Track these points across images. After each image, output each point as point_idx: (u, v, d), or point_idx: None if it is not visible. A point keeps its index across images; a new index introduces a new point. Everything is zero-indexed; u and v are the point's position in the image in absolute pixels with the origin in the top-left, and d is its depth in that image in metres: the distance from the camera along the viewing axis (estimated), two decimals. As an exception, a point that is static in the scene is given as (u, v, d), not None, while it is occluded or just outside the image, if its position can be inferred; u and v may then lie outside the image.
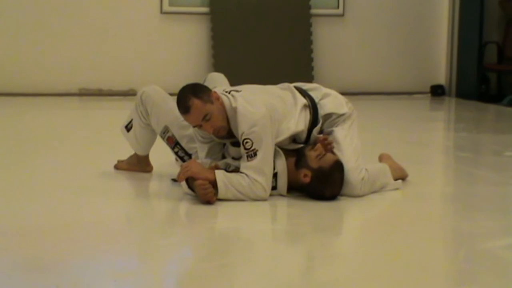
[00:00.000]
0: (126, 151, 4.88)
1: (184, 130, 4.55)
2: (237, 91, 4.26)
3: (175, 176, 4.57)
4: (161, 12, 9.70)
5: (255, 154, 4.07)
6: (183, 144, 4.56)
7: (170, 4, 9.71)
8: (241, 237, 3.63)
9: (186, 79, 9.53)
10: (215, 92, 4.15)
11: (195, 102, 4.04)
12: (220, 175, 4.08)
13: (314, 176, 4.12)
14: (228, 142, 4.28)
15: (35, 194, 4.37)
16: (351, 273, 3.13)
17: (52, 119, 7.83)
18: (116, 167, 4.92)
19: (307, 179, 4.14)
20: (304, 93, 4.40)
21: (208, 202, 4.03)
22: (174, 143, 4.58)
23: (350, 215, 4.13)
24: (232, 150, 4.29)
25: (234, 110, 4.11)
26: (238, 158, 4.22)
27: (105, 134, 6.73)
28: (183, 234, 3.70)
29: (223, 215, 3.98)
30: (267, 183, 4.11)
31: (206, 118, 4.06)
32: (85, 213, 3.97)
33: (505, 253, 3.38)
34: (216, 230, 3.79)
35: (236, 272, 3.11)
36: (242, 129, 4.07)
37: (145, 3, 9.67)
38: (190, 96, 4.07)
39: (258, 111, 4.11)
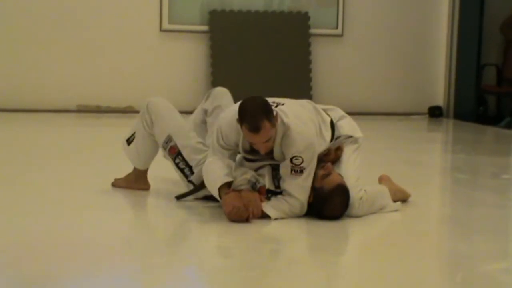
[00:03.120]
0: (123, 168, 4.86)
1: (187, 140, 4.53)
2: (280, 104, 4.23)
3: (175, 193, 4.56)
4: (161, 29, 9.73)
5: (301, 171, 4.09)
6: (184, 154, 4.53)
7: (170, 22, 9.74)
8: (240, 256, 3.61)
9: (185, 97, 9.63)
10: (277, 114, 4.08)
11: (267, 126, 3.97)
12: (272, 211, 4.13)
13: (315, 195, 4.14)
14: (244, 155, 4.27)
15: (32, 211, 4.35)
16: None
17: (49, 136, 7.82)
18: (114, 184, 4.90)
19: (310, 199, 4.16)
20: (325, 112, 4.43)
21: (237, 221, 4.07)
22: (176, 154, 4.56)
23: (348, 236, 4.12)
24: (245, 164, 4.28)
25: (285, 125, 4.09)
26: (255, 170, 4.27)
27: (103, 151, 6.72)
28: (182, 252, 3.68)
29: (221, 234, 3.97)
30: (306, 199, 4.15)
31: (267, 141, 4.03)
32: (82, 230, 3.95)
33: (503, 276, 3.37)
34: (214, 250, 3.78)
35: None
36: (297, 147, 4.06)
37: (145, 20, 9.70)
38: (263, 117, 3.96)
39: (310, 130, 4.14)
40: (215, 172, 4.17)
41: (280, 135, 4.09)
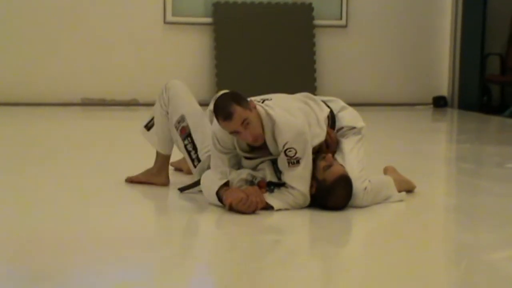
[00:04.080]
0: (128, 160, 4.87)
1: (200, 123, 4.55)
2: (268, 99, 4.27)
3: (179, 185, 4.58)
4: (165, 22, 9.74)
5: (297, 162, 4.10)
6: (194, 136, 4.55)
7: (174, 14, 9.74)
8: (243, 248, 3.63)
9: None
10: (251, 101, 4.15)
11: (237, 108, 4.01)
12: (275, 202, 4.14)
13: (318, 187, 4.15)
14: (244, 154, 4.28)
15: (38, 204, 4.37)
16: (352, 285, 3.13)
17: (54, 129, 7.84)
18: (131, 180, 4.83)
19: (312, 190, 4.17)
20: (324, 103, 4.44)
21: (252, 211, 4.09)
22: (186, 134, 4.57)
23: (353, 226, 4.13)
24: (245, 163, 4.30)
25: (271, 118, 4.11)
26: (254, 169, 4.28)
27: (108, 144, 6.74)
28: (185, 244, 3.70)
29: (224, 225, 3.99)
30: (307, 189, 4.16)
31: (245, 122, 4.03)
32: (88, 223, 3.97)
33: (507, 265, 3.38)
34: (216, 241, 3.79)
35: (244, 284, 3.11)
36: (286, 138, 4.07)
37: (149, 13, 9.70)
38: (231, 102, 4.03)
39: (298, 119, 4.14)
40: (209, 182, 4.22)
41: (269, 129, 4.11)
